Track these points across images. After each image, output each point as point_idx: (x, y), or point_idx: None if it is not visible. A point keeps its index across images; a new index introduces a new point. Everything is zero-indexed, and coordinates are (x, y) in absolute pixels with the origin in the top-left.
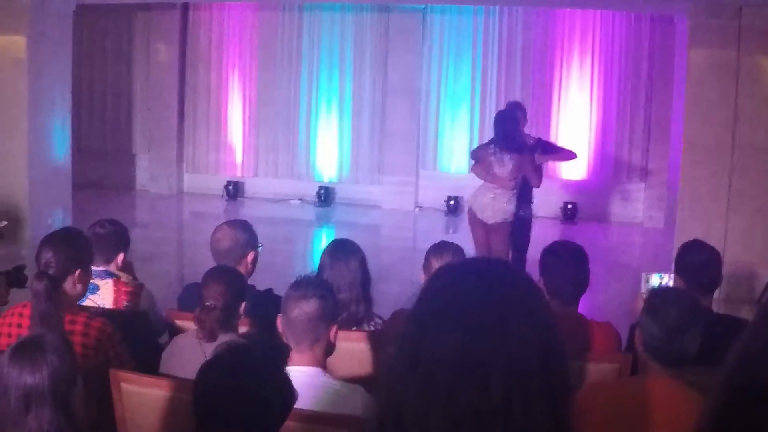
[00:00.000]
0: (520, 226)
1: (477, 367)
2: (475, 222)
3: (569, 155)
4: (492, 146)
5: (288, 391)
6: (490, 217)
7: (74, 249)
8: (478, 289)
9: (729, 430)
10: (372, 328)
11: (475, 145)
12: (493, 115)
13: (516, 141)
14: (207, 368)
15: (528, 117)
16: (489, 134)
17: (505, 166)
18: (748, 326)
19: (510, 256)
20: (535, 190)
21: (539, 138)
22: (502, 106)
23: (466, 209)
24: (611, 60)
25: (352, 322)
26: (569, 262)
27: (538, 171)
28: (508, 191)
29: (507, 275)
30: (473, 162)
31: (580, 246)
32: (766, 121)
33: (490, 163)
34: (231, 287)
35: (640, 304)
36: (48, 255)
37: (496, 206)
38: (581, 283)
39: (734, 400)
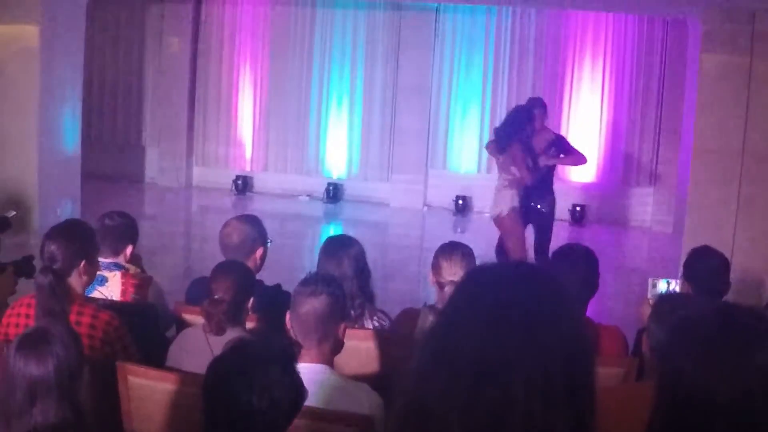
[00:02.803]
0: (539, 223)
1: (500, 368)
2: None
3: (579, 159)
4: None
5: (298, 389)
6: (491, 211)
7: (79, 241)
8: (506, 290)
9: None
10: (375, 324)
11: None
12: (503, 114)
13: (503, 138)
14: (217, 364)
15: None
16: None
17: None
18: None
19: (530, 253)
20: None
21: (558, 135)
22: (513, 106)
23: None
24: (623, 62)
25: (348, 319)
26: (578, 266)
27: (535, 168)
28: (505, 185)
29: (536, 278)
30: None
31: (590, 249)
32: None
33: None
34: (239, 282)
35: (647, 310)
36: (52, 248)
37: (495, 200)
38: (590, 286)
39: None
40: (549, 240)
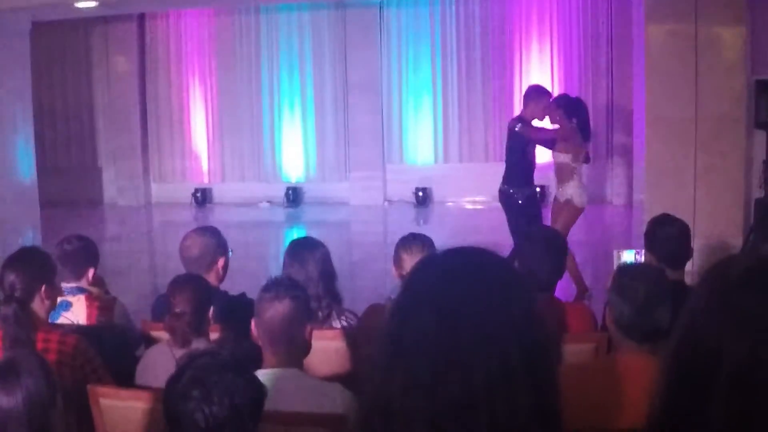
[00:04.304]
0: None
1: (459, 360)
2: None
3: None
4: None
5: (256, 389)
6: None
7: (36, 266)
8: (456, 281)
9: (677, 406)
10: (344, 324)
11: (440, 136)
12: (456, 103)
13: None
14: (171, 384)
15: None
16: (453, 123)
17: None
18: (689, 298)
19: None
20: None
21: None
22: (465, 95)
23: None
24: (570, 40)
25: (315, 320)
26: (546, 249)
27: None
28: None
29: (485, 265)
30: None
31: (558, 233)
32: (728, 92)
33: None
34: (197, 293)
35: None
36: (11, 278)
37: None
38: (557, 270)
39: (680, 374)
40: (514, 227)
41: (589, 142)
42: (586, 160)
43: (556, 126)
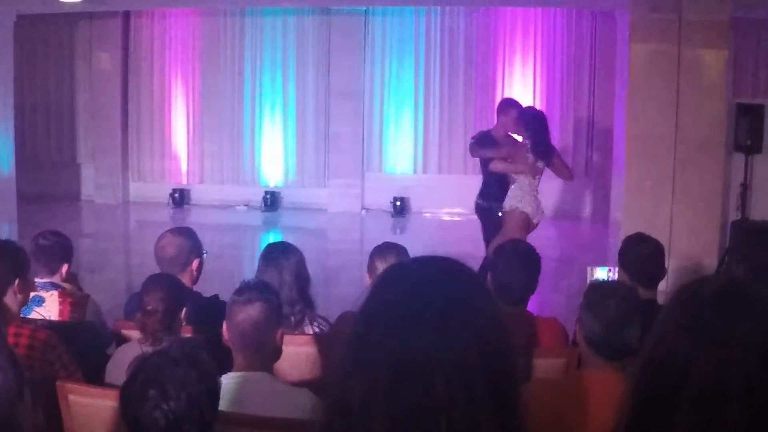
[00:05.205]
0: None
1: (418, 365)
2: None
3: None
4: None
5: (210, 378)
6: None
7: (9, 260)
8: (420, 289)
9: (642, 422)
10: (316, 330)
11: (420, 147)
12: (437, 115)
13: (549, 147)
14: (126, 387)
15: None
16: (434, 134)
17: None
18: (659, 315)
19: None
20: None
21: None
22: (446, 106)
23: None
24: (553, 56)
25: (288, 325)
26: (519, 264)
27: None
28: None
29: (450, 274)
30: None
31: (531, 247)
32: (709, 113)
33: None
34: (170, 292)
35: None
36: None
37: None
38: (530, 285)
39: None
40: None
41: (547, 159)
42: (567, 176)
43: (512, 144)
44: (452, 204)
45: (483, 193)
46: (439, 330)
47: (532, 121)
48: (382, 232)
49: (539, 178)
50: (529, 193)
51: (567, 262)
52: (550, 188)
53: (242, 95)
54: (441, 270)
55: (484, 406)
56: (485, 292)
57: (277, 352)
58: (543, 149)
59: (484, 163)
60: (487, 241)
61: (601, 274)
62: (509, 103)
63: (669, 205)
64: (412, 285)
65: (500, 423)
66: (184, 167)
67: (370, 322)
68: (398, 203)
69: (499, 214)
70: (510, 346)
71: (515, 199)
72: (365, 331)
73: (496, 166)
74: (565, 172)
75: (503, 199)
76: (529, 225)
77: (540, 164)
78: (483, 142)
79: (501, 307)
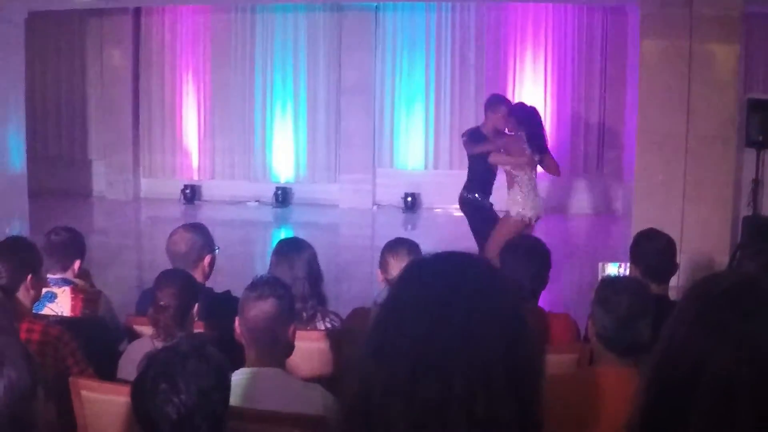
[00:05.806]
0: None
1: (438, 362)
2: None
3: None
4: None
5: (220, 371)
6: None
7: (22, 256)
8: (442, 285)
9: (657, 418)
10: (328, 326)
11: (431, 143)
12: (449, 110)
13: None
14: (137, 383)
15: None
16: (445, 130)
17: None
18: (672, 312)
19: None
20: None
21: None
22: (457, 102)
23: None
24: (564, 52)
25: (300, 321)
26: (528, 259)
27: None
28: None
29: (473, 270)
30: None
31: (541, 242)
32: (720, 109)
33: None
34: (183, 288)
35: None
36: None
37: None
38: (540, 280)
39: (661, 387)
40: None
41: (543, 153)
42: (555, 172)
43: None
44: None
45: (467, 186)
46: (460, 325)
47: (525, 115)
48: (393, 227)
49: (536, 173)
50: (530, 192)
51: (578, 258)
52: (563, 184)
53: (253, 91)
54: (463, 265)
55: (503, 401)
56: (509, 289)
57: (289, 348)
58: (538, 142)
59: (472, 158)
60: (475, 231)
61: (613, 269)
62: (498, 100)
63: (680, 201)
64: (434, 281)
65: (519, 417)
66: (195, 163)
67: (392, 316)
68: (409, 199)
69: (497, 211)
70: (533, 344)
71: (518, 204)
72: (386, 325)
73: (497, 159)
74: (553, 168)
75: (489, 192)
76: (525, 227)
77: (536, 157)
78: (476, 138)
79: (523, 302)
